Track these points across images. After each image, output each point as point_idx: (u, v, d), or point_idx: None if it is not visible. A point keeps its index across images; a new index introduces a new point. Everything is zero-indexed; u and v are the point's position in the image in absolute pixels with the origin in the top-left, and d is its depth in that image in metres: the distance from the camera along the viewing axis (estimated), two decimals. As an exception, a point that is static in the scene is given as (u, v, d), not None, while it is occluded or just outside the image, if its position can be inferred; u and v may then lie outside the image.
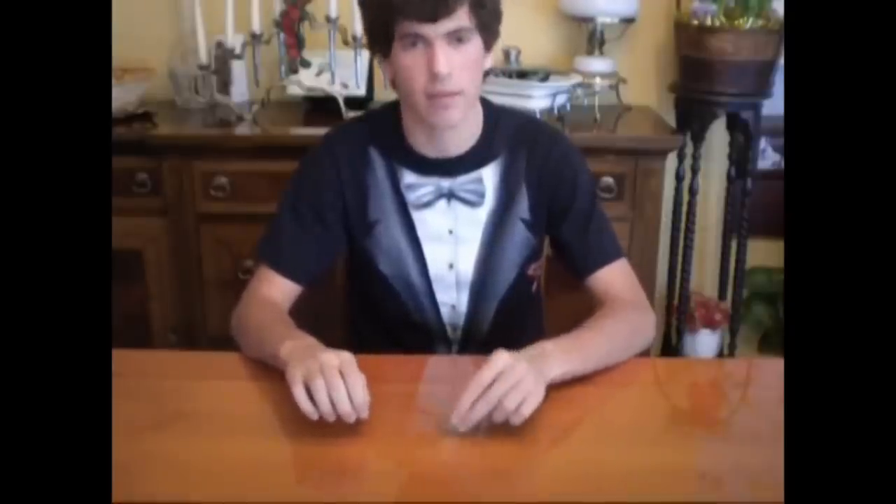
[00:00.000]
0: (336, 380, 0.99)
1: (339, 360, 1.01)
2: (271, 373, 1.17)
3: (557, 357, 1.09)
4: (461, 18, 1.15)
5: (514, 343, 1.32)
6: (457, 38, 1.16)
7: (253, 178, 1.99)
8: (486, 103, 1.33)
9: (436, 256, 1.33)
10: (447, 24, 1.15)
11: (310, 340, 1.11)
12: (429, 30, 1.14)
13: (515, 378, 1.00)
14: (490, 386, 0.99)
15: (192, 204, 2.02)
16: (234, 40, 2.03)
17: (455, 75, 1.17)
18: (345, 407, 0.98)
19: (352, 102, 2.09)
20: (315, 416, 0.99)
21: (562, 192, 1.34)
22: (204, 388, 1.16)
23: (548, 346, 1.10)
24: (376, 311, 1.40)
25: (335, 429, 1.05)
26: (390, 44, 1.19)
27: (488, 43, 1.23)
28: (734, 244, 2.27)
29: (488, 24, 1.20)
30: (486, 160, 1.32)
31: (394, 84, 1.25)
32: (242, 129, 2.08)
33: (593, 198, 1.38)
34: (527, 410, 0.99)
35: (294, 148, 1.82)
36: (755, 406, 1.22)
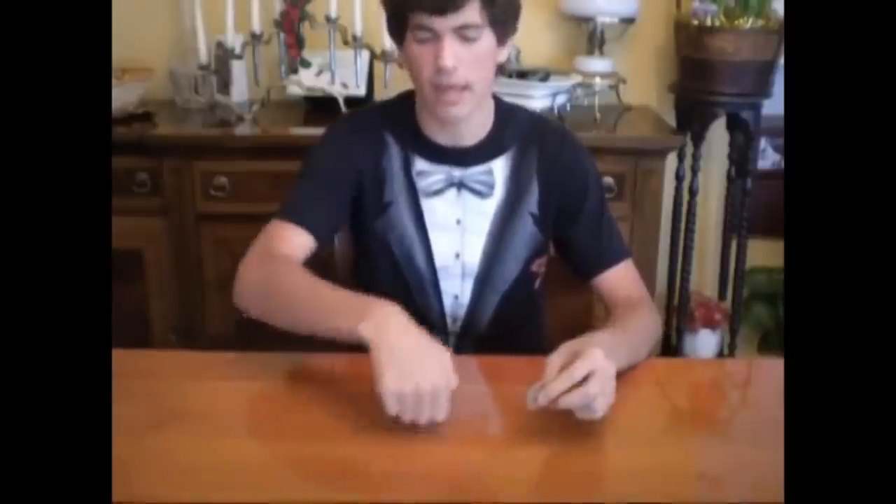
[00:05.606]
0: (426, 410, 0.99)
1: (435, 389, 0.99)
2: (271, 372, 1.18)
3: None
4: (471, 14, 1.16)
5: (511, 339, 1.33)
6: (465, 34, 1.17)
7: (253, 178, 2.00)
8: (496, 98, 1.34)
9: (442, 245, 1.33)
10: (456, 19, 1.16)
11: (391, 319, 1.03)
12: (438, 23, 1.16)
13: (607, 379, 1.01)
14: (583, 381, 0.99)
15: (192, 204, 2.02)
16: (234, 40, 2.03)
17: (462, 70, 1.18)
18: (423, 422, 1.00)
19: (352, 102, 2.09)
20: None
21: (572, 191, 1.35)
22: (204, 388, 1.16)
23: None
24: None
25: (336, 429, 1.05)
26: (404, 33, 1.21)
27: (502, 37, 1.23)
28: (734, 244, 2.27)
29: (501, 18, 1.20)
30: (497, 152, 1.33)
31: (409, 69, 1.26)
32: (242, 129, 2.08)
33: (603, 198, 1.39)
34: (603, 413, 1.00)
35: (294, 148, 1.82)
36: (755, 406, 1.22)
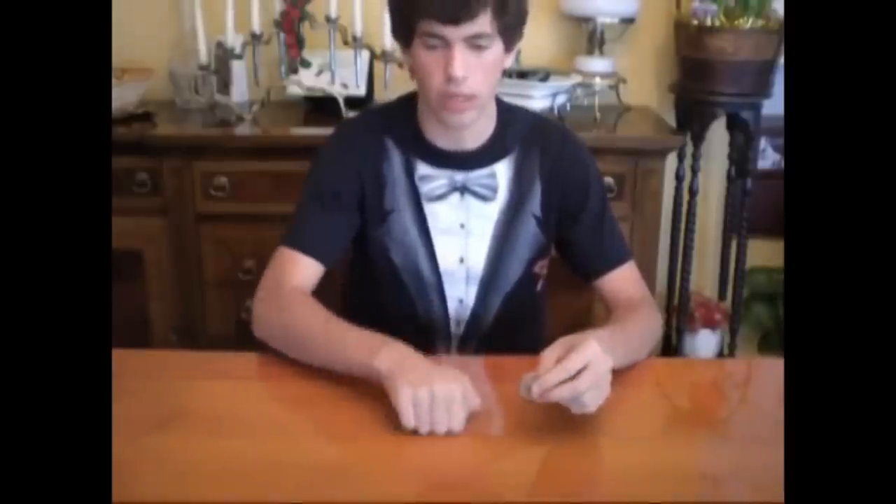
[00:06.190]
0: (442, 418, 1.00)
1: (450, 394, 1.01)
2: (271, 372, 1.18)
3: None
4: (483, 24, 1.15)
5: (512, 340, 1.32)
6: (476, 43, 1.16)
7: (253, 178, 2.00)
8: (497, 100, 1.34)
9: (447, 250, 1.33)
10: (468, 28, 1.15)
11: (405, 351, 1.07)
12: (450, 32, 1.15)
13: (601, 374, 1.00)
14: (577, 374, 0.99)
15: (192, 204, 2.02)
16: (234, 40, 2.03)
17: (471, 79, 1.18)
18: (440, 431, 1.01)
19: (352, 102, 2.09)
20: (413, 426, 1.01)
21: (573, 192, 1.35)
22: (204, 388, 1.16)
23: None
24: (379, 307, 1.39)
25: (336, 429, 1.05)
26: (412, 38, 1.20)
27: (510, 45, 1.23)
28: (734, 244, 2.27)
29: (511, 27, 1.20)
30: (500, 155, 1.32)
31: (412, 71, 1.26)
32: (242, 129, 2.08)
33: (605, 199, 1.39)
34: (595, 407, 1.01)
35: (294, 148, 1.82)
36: (755, 406, 1.22)
